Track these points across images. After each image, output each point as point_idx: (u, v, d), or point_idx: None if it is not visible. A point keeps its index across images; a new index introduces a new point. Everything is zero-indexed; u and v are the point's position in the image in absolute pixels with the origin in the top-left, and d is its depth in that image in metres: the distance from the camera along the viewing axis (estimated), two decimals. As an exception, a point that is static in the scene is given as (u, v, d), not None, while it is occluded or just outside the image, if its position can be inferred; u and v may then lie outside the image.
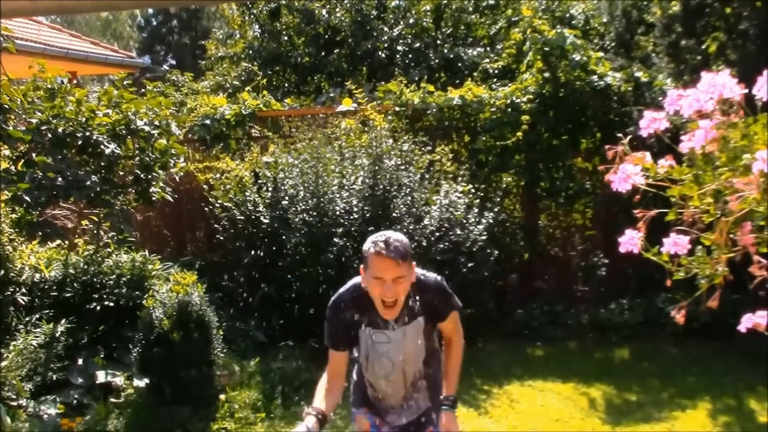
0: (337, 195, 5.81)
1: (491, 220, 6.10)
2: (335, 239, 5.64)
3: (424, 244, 5.66)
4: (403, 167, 5.95)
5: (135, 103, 5.56)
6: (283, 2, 10.87)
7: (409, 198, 5.85)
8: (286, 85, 11.21)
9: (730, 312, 2.14)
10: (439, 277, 2.62)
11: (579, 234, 7.19)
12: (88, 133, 5.26)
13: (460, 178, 6.24)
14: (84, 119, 5.30)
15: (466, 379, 5.33)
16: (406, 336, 2.56)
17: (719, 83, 1.29)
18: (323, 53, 10.66)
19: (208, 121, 7.11)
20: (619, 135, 1.49)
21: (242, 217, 6.20)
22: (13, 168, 5.08)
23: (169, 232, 7.52)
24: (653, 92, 6.66)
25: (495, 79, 8.40)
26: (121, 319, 5.40)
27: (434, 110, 6.83)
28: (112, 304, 5.39)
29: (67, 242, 6.07)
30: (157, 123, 5.71)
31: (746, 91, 1.29)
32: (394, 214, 5.71)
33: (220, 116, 7.16)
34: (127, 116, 5.50)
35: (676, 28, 6.60)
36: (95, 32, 25.62)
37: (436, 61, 9.93)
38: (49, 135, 5.12)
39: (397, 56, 10.24)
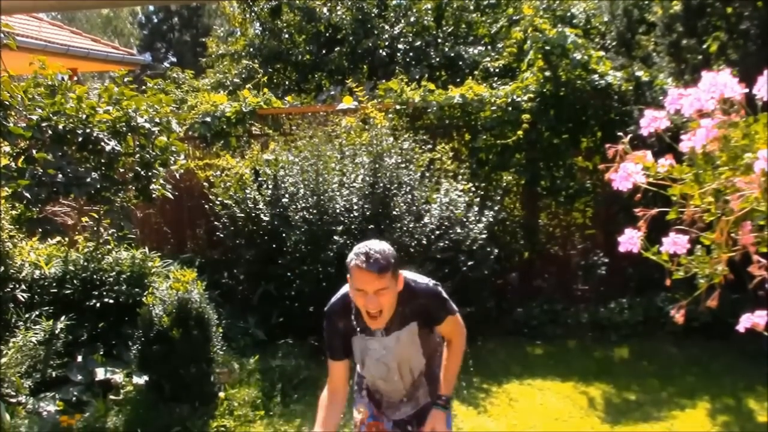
0: (338, 193, 5.81)
1: (491, 219, 6.10)
2: (335, 237, 5.64)
3: (424, 242, 5.67)
4: (403, 165, 5.94)
5: (135, 100, 5.55)
6: (284, 0, 10.86)
7: (410, 196, 5.85)
8: (287, 82, 11.20)
9: (730, 311, 2.15)
10: (432, 283, 2.59)
11: (579, 233, 7.19)
12: (88, 130, 5.26)
13: (460, 177, 6.24)
14: (84, 116, 5.29)
15: (465, 377, 5.34)
16: (400, 341, 2.56)
17: (720, 83, 1.29)
18: (324, 51, 10.65)
19: (208, 119, 7.11)
20: (620, 134, 1.49)
21: (242, 215, 6.20)
22: (13, 164, 5.08)
23: (169, 229, 7.51)
24: (654, 91, 6.65)
25: (496, 78, 8.40)
26: (120, 316, 5.41)
27: (435, 108, 6.82)
28: (111, 301, 5.40)
29: (67, 239, 6.08)
30: (157, 120, 5.71)
31: (747, 90, 1.29)
32: (394, 212, 5.72)
33: (220, 114, 7.16)
34: (128, 113, 5.49)
35: (677, 27, 6.59)
36: (96, 29, 25.62)
37: (437, 59, 9.92)
38: (50, 132, 5.12)
39: (398, 54, 10.23)
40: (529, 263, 7.16)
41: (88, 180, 5.03)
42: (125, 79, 5.94)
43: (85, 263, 5.70)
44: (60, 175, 4.89)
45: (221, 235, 6.55)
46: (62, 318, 5.11)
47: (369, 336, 2.56)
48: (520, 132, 6.56)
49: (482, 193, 6.33)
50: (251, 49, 11.11)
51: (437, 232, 5.76)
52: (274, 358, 5.45)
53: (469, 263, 5.84)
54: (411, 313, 2.53)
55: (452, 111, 6.96)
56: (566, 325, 6.58)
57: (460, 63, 9.74)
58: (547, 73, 6.82)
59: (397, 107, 6.85)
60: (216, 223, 6.56)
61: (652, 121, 1.40)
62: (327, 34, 10.70)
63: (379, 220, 5.59)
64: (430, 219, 5.78)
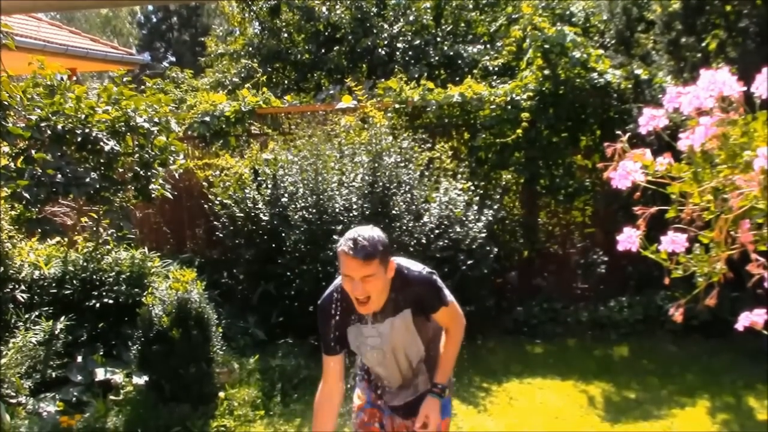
0: (337, 192, 5.81)
1: (491, 218, 6.10)
2: (335, 236, 5.63)
3: (424, 241, 5.67)
4: (402, 164, 5.94)
5: (135, 100, 5.55)
6: (283, -1, 10.87)
7: (409, 195, 5.85)
8: (286, 82, 11.19)
9: (729, 310, 2.15)
10: (426, 270, 2.58)
11: (578, 231, 7.19)
12: (87, 130, 5.25)
13: (459, 176, 6.23)
14: (83, 116, 5.29)
15: (465, 376, 5.36)
16: (394, 328, 2.56)
17: (719, 80, 1.29)
18: (323, 50, 10.64)
19: (207, 118, 7.10)
20: (619, 132, 1.49)
21: (242, 215, 6.20)
22: (12, 165, 5.07)
23: (168, 229, 7.51)
24: (653, 90, 6.65)
25: (495, 77, 8.39)
26: (120, 317, 5.41)
27: (434, 107, 6.82)
28: (111, 301, 5.40)
29: (66, 239, 6.08)
30: (156, 120, 5.70)
31: (745, 88, 1.29)
32: (394, 212, 5.72)
33: (219, 113, 7.15)
34: (127, 113, 5.49)
35: (676, 25, 6.59)
36: (95, 29, 25.62)
37: (436, 58, 9.92)
38: (49, 132, 5.12)
39: (397, 53, 10.22)
40: (528, 262, 7.16)
41: (88, 180, 5.03)
42: (124, 79, 5.94)
43: (85, 263, 5.70)
44: (59, 176, 4.89)
45: (221, 235, 6.55)
46: (62, 318, 5.11)
47: (364, 324, 2.58)
48: (519, 131, 6.55)
49: (481, 191, 6.32)
50: (250, 49, 11.11)
51: (437, 231, 5.76)
52: (274, 358, 5.45)
53: (469, 262, 5.84)
54: (404, 301, 2.54)
55: (451, 110, 6.96)
56: (566, 323, 6.58)
57: (459, 62, 9.74)
58: (546, 72, 6.81)
59: (396, 106, 6.85)
60: (215, 222, 6.56)
61: (650, 120, 1.40)
62: (326, 33, 10.69)
63: (378, 219, 5.58)
64: (429, 218, 5.79)
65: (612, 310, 6.48)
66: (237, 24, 12.02)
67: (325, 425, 2.58)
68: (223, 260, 6.71)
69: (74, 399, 4.77)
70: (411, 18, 10.43)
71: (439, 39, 10.39)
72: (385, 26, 10.44)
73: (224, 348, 5.16)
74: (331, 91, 8.57)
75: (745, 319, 1.37)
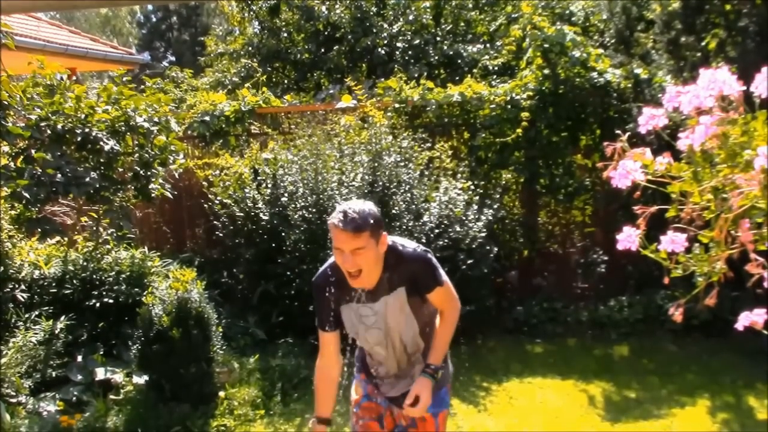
0: (337, 192, 5.81)
1: (490, 217, 6.10)
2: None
3: (424, 240, 5.66)
4: (402, 164, 5.94)
5: (134, 100, 5.55)
6: (283, -1, 10.87)
7: (409, 195, 5.85)
8: (286, 81, 11.20)
9: (729, 309, 2.15)
10: (420, 248, 2.58)
11: (578, 231, 7.18)
12: (87, 130, 5.25)
13: (459, 175, 6.23)
14: (83, 116, 5.29)
15: (464, 375, 5.36)
16: (388, 306, 2.56)
17: (719, 80, 1.29)
18: (323, 50, 10.65)
19: (207, 118, 7.10)
20: (619, 132, 1.49)
21: (241, 214, 6.20)
22: (12, 164, 5.07)
23: (168, 228, 7.52)
24: (653, 89, 6.65)
25: (495, 76, 8.39)
26: (120, 316, 5.41)
27: (434, 107, 6.82)
28: (111, 301, 5.40)
29: (66, 239, 6.08)
30: (156, 119, 5.70)
31: (745, 87, 1.29)
32: (394, 211, 5.72)
33: (219, 113, 7.15)
34: (127, 113, 5.49)
35: (676, 24, 6.59)
36: (95, 29, 25.62)
37: (436, 57, 9.92)
38: (49, 131, 5.12)
39: (397, 53, 10.23)
40: (528, 261, 7.16)
41: (87, 180, 5.03)
42: (124, 79, 5.94)
43: (85, 263, 5.70)
44: (59, 175, 4.89)
45: (220, 235, 6.55)
46: (62, 318, 5.10)
47: (359, 303, 2.58)
48: (519, 130, 6.55)
49: (481, 191, 6.32)
50: (250, 48, 11.12)
51: (436, 231, 5.76)
52: (274, 358, 5.45)
53: (469, 262, 5.84)
54: (398, 279, 2.53)
55: (451, 109, 6.96)
56: (566, 323, 6.58)
57: (459, 61, 9.74)
58: (546, 71, 6.81)
59: (396, 106, 6.84)
60: (215, 222, 6.56)
61: (650, 119, 1.40)
62: (326, 33, 10.70)
63: (378, 218, 5.58)
64: (429, 217, 5.79)
65: (612, 310, 6.48)
66: (237, 23, 12.03)
67: (326, 402, 2.63)
68: (223, 260, 6.71)
69: (74, 398, 4.77)
70: (411, 17, 10.44)
71: (438, 38, 10.40)
72: (385, 26, 10.45)
73: (224, 348, 5.16)
74: (331, 91, 8.57)
75: (745, 319, 1.37)
